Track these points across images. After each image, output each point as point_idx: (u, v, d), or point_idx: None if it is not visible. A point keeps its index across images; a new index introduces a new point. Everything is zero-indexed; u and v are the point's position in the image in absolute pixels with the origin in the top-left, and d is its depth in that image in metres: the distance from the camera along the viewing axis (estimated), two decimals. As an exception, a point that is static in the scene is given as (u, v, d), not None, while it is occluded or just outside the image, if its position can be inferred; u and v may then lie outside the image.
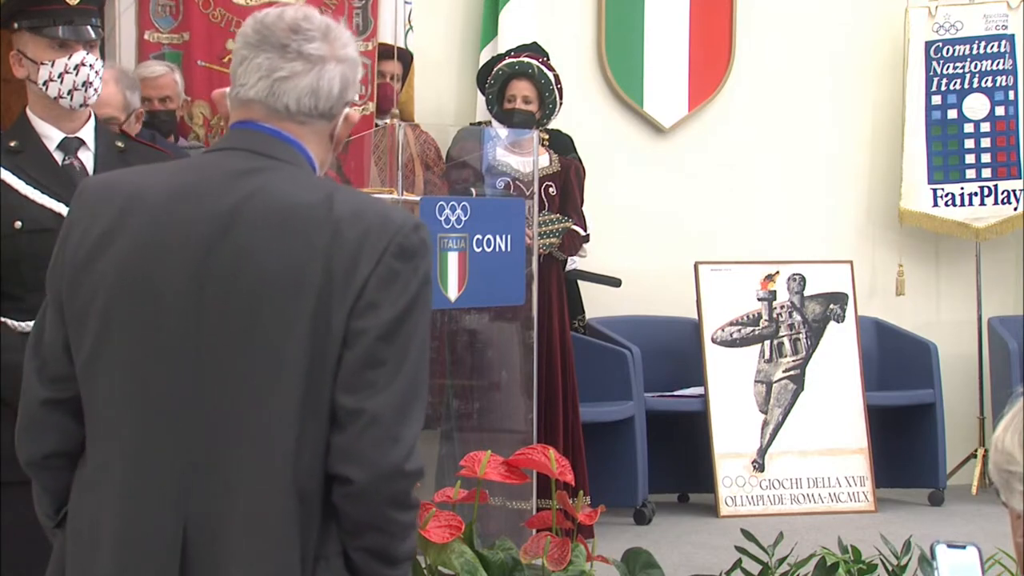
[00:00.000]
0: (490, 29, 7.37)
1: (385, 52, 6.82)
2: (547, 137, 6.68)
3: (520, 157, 6.35)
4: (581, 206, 6.65)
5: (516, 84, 6.54)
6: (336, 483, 2.17)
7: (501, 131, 6.51)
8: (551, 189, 6.54)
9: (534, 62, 6.57)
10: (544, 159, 6.52)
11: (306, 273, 2.17)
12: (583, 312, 7.30)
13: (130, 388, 2.22)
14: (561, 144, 6.94)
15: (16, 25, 3.63)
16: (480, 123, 7.10)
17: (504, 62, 6.63)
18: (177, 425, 2.20)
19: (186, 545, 2.18)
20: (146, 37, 6.50)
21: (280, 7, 2.33)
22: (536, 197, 5.98)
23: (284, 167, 2.27)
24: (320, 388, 2.16)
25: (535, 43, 6.91)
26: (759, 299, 7.45)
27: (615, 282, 7.26)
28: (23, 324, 3.44)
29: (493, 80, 6.59)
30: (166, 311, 2.21)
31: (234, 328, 2.18)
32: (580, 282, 7.26)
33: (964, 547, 2.23)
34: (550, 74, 6.55)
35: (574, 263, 7.01)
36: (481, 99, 6.94)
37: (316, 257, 2.17)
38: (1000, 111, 7.95)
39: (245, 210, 2.21)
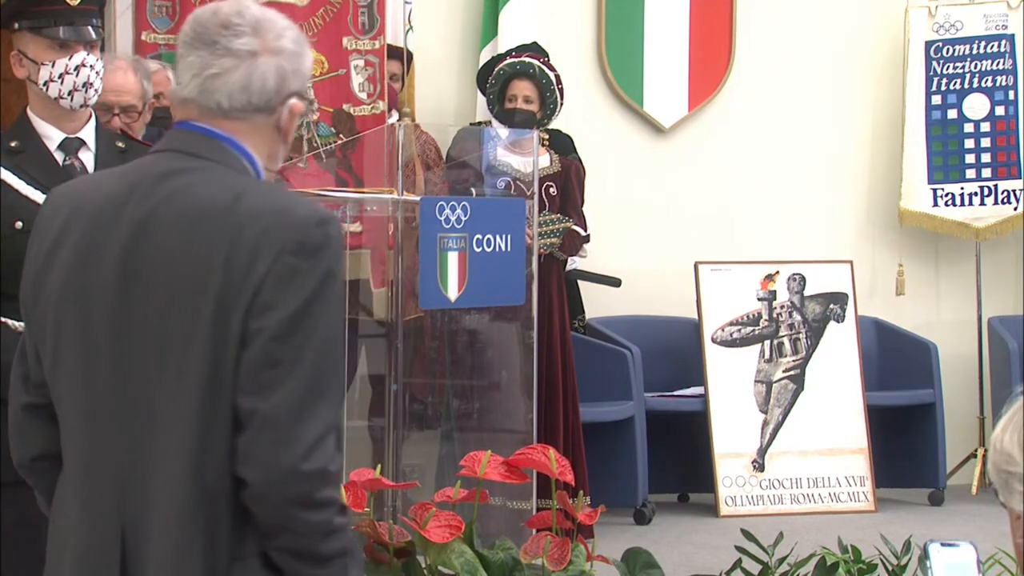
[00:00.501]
0: (490, 29, 7.37)
1: (393, 53, 6.78)
2: (547, 137, 6.68)
3: (520, 157, 6.35)
4: (581, 206, 6.65)
5: (517, 84, 6.54)
6: (240, 485, 2.16)
7: (501, 131, 6.51)
8: (551, 189, 6.54)
9: (535, 62, 6.57)
10: (544, 159, 6.52)
11: (208, 274, 2.15)
12: (583, 312, 7.30)
13: (78, 394, 2.25)
14: (561, 144, 6.94)
15: (17, 25, 3.63)
16: (480, 123, 7.09)
17: (505, 62, 6.63)
18: (112, 430, 2.21)
19: (124, 548, 2.19)
20: (143, 38, 6.49)
21: (218, 2, 2.29)
22: (536, 197, 5.98)
23: (210, 167, 2.24)
24: (222, 390, 2.15)
25: (535, 43, 6.90)
26: (759, 299, 7.45)
27: (615, 282, 7.26)
28: (22, 324, 3.43)
29: (494, 80, 6.58)
30: (97, 317, 2.22)
31: (150, 332, 2.18)
32: (580, 282, 7.26)
33: (958, 545, 2.23)
34: (551, 74, 6.55)
35: (574, 263, 7.01)
36: (481, 99, 6.93)
37: (218, 258, 2.15)
38: (1000, 111, 7.95)
39: (160, 213, 2.20)
